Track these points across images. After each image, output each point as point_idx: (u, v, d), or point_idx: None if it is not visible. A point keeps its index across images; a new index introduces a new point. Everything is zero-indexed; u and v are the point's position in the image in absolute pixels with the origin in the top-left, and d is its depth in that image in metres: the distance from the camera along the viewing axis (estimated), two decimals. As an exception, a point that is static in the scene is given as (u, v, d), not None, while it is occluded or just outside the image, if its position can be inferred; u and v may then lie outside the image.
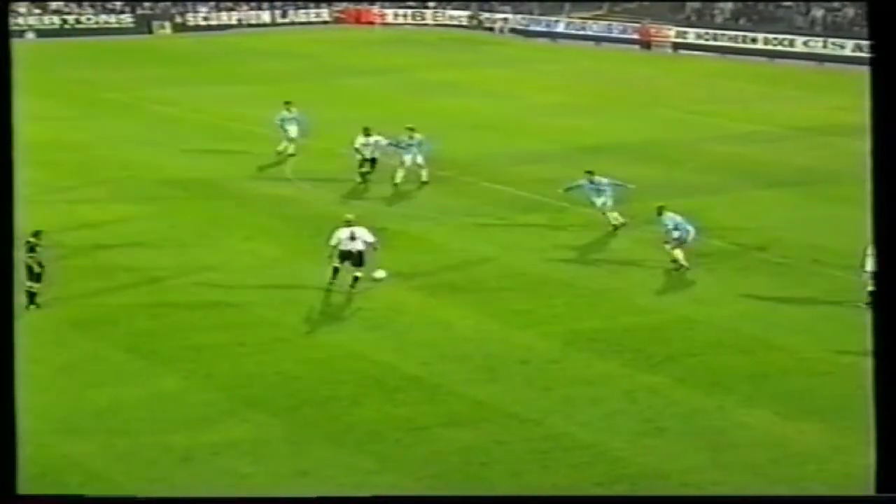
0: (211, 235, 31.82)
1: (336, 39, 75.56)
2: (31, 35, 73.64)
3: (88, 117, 48.65)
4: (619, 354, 23.63)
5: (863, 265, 25.75)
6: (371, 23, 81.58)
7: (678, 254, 28.65)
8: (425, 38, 75.84)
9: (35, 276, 25.67)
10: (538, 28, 76.54)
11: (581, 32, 74.77)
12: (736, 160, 40.67)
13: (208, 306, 26.48)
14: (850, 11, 67.23)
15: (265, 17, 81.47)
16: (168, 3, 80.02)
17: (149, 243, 30.86)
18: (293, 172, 38.80)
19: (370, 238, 27.20)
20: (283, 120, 40.59)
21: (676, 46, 69.79)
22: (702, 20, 72.46)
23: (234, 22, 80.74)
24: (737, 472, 18.90)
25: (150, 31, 78.03)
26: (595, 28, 74.88)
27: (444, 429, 20.39)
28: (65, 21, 77.27)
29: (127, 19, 78.41)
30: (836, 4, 68.47)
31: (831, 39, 64.29)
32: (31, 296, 25.62)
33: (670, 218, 28.91)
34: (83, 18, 77.90)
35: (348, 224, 27.24)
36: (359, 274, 27.10)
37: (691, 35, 69.96)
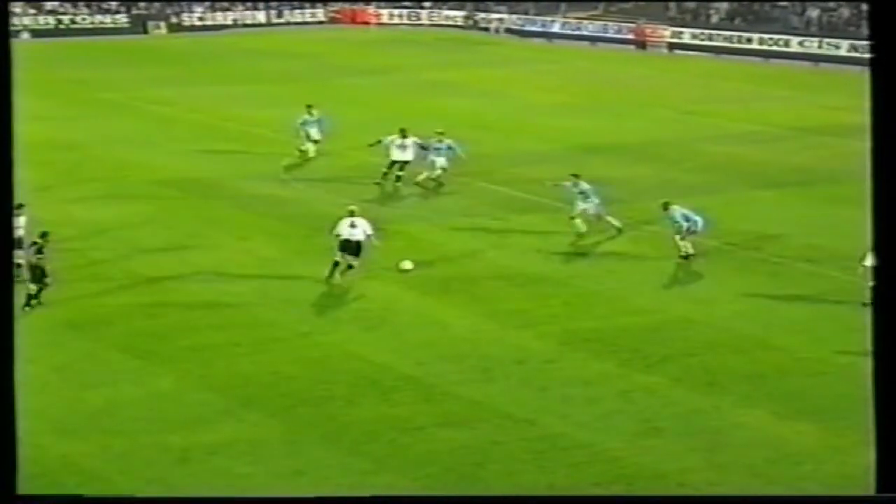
0: (207, 235, 31.78)
1: (331, 39, 75.51)
2: (26, 35, 73.55)
3: (84, 117, 48.59)
4: (615, 354, 23.61)
5: (862, 261, 25.85)
6: (366, 23, 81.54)
7: (686, 244, 28.98)
8: (421, 38, 75.82)
9: (40, 278, 25.63)
10: (534, 28, 76.52)
11: (576, 32, 74.75)
12: (732, 160, 40.66)
13: (204, 306, 26.45)
14: (845, 12, 67.26)
15: (260, 17, 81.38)
16: (163, 3, 79.93)
17: (144, 243, 30.82)
18: (288, 173, 38.77)
19: (370, 230, 27.67)
20: (304, 123, 40.40)
21: (672, 46, 69.79)
22: (697, 20, 72.47)
23: (229, 22, 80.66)
24: (734, 472, 18.89)
25: (146, 31, 77.94)
26: (590, 28, 74.88)
27: (439, 429, 20.37)
28: (60, 21, 77.18)
29: (122, 19, 78.33)
30: (831, 4, 68.49)
31: (827, 40, 64.30)
32: (32, 296, 25.55)
33: (677, 211, 29.16)
34: (78, 18, 77.80)
35: (351, 214, 27.79)
36: (354, 263, 27.48)
37: (686, 35, 69.96)
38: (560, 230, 32.14)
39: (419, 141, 36.28)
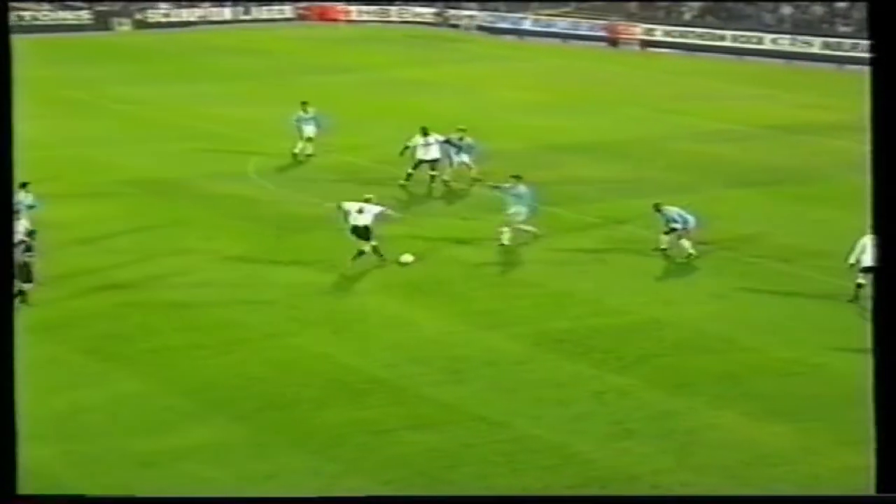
0: (172, 236, 31.46)
1: (300, 37, 75.20)
2: (-14, 32, 72.76)
3: (47, 116, 48.00)
4: (587, 355, 23.46)
5: (847, 259, 25.80)
6: (335, 20, 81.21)
7: (685, 244, 28.92)
8: (391, 35, 75.58)
9: (27, 276, 25.43)
10: (505, 25, 76.37)
11: (548, 30, 74.60)
12: (705, 159, 40.57)
13: (170, 308, 26.18)
14: (818, 9, 67.35)
15: (227, 13, 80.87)
16: (128, 0, 79.32)
17: (109, 244, 30.47)
18: (256, 172, 38.44)
19: (377, 209, 28.47)
20: (299, 120, 40.01)
21: (644, 44, 69.73)
22: (670, 17, 72.45)
23: (195, 19, 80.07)
24: (707, 473, 18.79)
25: (110, 28, 77.24)
26: (562, 25, 74.73)
27: (410, 431, 20.23)
28: (21, 18, 76.34)
29: (86, 16, 77.57)
30: (803, 3, 68.54)
31: (799, 37, 64.34)
32: (20, 294, 25.29)
33: (669, 211, 29.20)
34: (40, 15, 77.06)
35: (366, 202, 28.54)
36: (365, 248, 28.12)
37: (659, 32, 69.92)
38: (532, 229, 31.91)
39: (441, 138, 36.15)
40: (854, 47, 60.96)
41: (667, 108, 50.30)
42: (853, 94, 55.88)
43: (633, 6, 74.72)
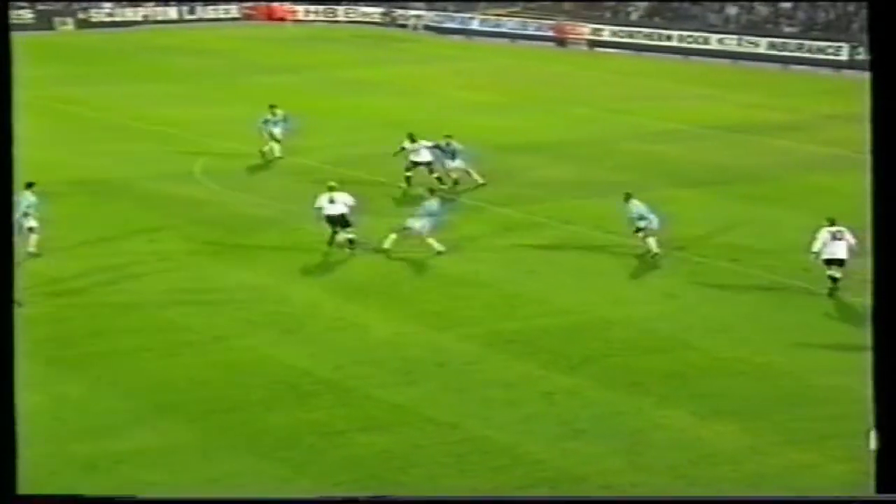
0: (116, 237, 31.15)
1: (246, 37, 74.81)
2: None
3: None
4: (536, 356, 23.42)
5: (810, 250, 26.11)
6: (282, 19, 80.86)
7: (650, 242, 29.01)
8: (338, 35, 75.36)
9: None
10: (452, 25, 76.32)
11: (496, 30, 74.62)
12: (652, 159, 40.68)
13: (113, 310, 25.95)
14: (763, 10, 67.79)
15: (172, 13, 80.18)
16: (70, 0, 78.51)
17: (51, 245, 30.05)
18: (202, 173, 38.14)
19: (350, 201, 29.53)
20: (265, 122, 39.67)
21: (592, 44, 69.90)
22: (617, 18, 72.69)
23: (139, 18, 79.38)
24: (655, 473, 18.80)
25: (52, 28, 76.37)
26: (510, 25, 74.77)
27: (359, 433, 20.12)
28: (-40, 17, 75.55)
29: (27, 15, 76.50)
30: (745, 4, 68.95)
31: (745, 37, 64.74)
32: None
33: (636, 206, 29.28)
34: (-21, 14, 76.15)
35: (330, 190, 29.64)
36: (350, 236, 29.35)
37: (606, 32, 70.11)
38: (482, 231, 31.90)
39: (428, 144, 36.13)
40: (799, 48, 61.49)
41: (615, 108, 50.43)
42: (798, 94, 56.57)
43: (580, 6, 74.90)
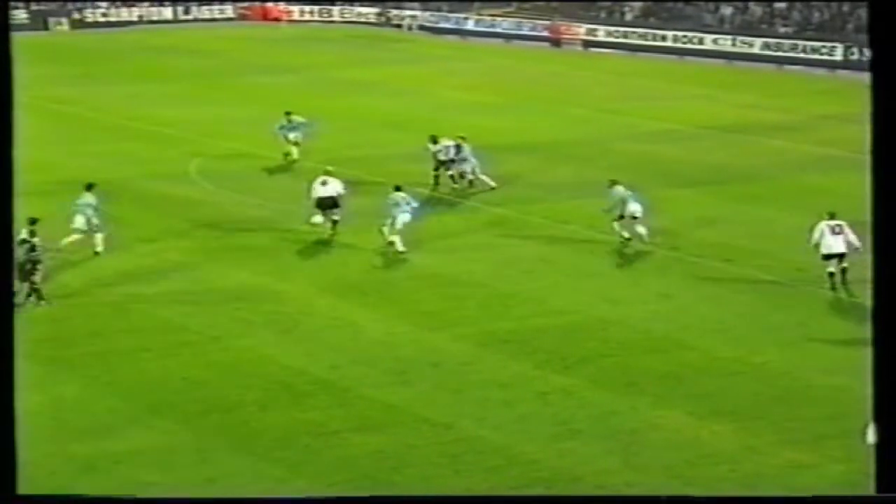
0: (113, 238, 31.07)
1: (241, 37, 74.77)
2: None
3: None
4: (532, 356, 23.44)
5: (809, 241, 26.22)
6: (277, 20, 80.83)
7: (640, 229, 29.53)
8: (333, 35, 75.33)
9: (27, 275, 25.54)
10: (447, 25, 76.34)
11: (491, 30, 74.64)
12: (647, 159, 40.70)
13: (111, 311, 25.98)
14: (757, 10, 67.85)
15: (167, 13, 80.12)
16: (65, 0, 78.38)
17: (49, 246, 29.98)
18: (198, 173, 38.14)
19: (341, 188, 30.46)
20: (282, 128, 39.59)
21: (586, 44, 69.92)
22: (612, 18, 72.72)
23: (134, 18, 79.31)
24: (651, 473, 18.82)
25: (47, 28, 76.26)
26: (505, 25, 74.79)
27: (354, 433, 20.14)
28: (-46, 18, 75.44)
29: (21, 15, 76.32)
30: (740, 4, 69.01)
31: (740, 37, 64.81)
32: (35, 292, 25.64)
33: (619, 192, 29.62)
34: (-27, 15, 76.02)
35: (326, 174, 30.75)
36: (336, 217, 30.32)
37: (601, 33, 70.13)
38: (477, 231, 31.93)
39: (449, 143, 36.19)
40: (793, 48, 61.55)
41: (609, 109, 50.45)
42: (793, 95, 56.63)
43: (575, 6, 74.91)
